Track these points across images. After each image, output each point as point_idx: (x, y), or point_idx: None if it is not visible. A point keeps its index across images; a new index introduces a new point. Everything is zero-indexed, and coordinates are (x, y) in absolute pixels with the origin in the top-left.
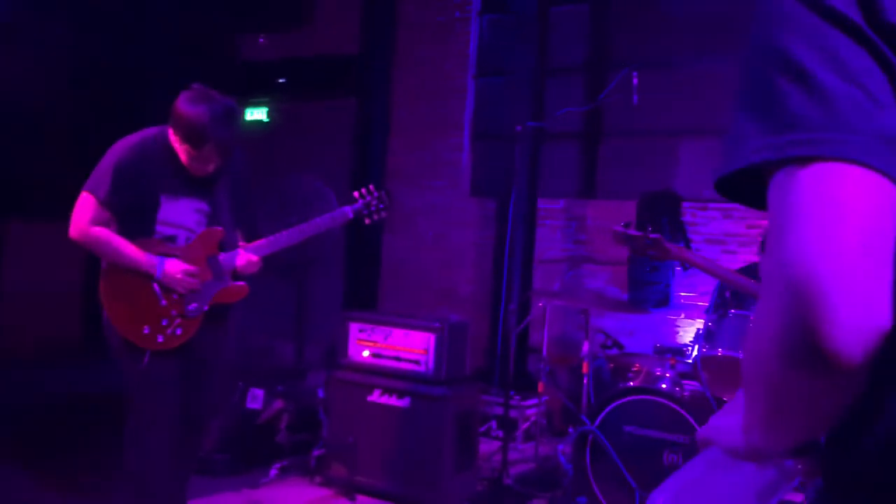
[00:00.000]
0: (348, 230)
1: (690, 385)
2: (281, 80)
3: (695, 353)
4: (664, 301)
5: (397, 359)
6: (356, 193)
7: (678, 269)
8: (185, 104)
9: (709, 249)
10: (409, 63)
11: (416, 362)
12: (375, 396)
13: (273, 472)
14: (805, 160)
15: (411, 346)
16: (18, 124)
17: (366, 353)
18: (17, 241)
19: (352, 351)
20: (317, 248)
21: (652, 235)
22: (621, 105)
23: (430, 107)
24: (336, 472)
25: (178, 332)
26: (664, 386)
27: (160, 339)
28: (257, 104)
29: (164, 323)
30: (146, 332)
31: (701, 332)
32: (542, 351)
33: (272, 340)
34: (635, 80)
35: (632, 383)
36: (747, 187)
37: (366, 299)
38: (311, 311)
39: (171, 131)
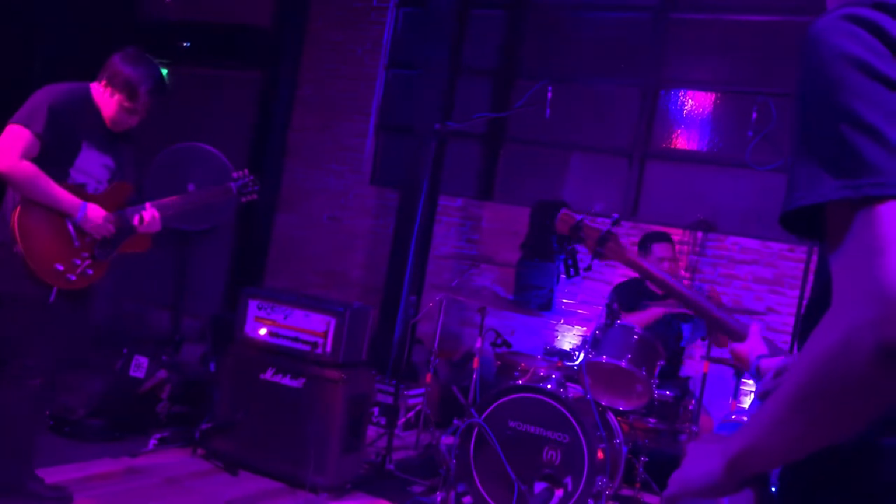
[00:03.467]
0: (241, 205)
1: (574, 388)
2: (185, 44)
3: (580, 358)
4: (547, 305)
5: (295, 339)
6: (235, 174)
7: (563, 276)
8: (125, 62)
9: (587, 259)
10: (321, 43)
11: (314, 344)
12: (269, 375)
13: (152, 442)
14: (882, 198)
15: (311, 328)
16: None
17: (263, 332)
18: None
19: (248, 328)
20: (209, 219)
21: (613, 230)
22: (525, 114)
23: (338, 90)
24: (220, 447)
25: (90, 272)
26: (549, 386)
27: (72, 277)
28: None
29: (76, 262)
30: (59, 269)
31: (588, 338)
32: (433, 343)
33: (145, 307)
34: (549, 94)
35: (520, 381)
36: (801, 223)
37: (252, 275)
38: (192, 282)
39: (98, 86)
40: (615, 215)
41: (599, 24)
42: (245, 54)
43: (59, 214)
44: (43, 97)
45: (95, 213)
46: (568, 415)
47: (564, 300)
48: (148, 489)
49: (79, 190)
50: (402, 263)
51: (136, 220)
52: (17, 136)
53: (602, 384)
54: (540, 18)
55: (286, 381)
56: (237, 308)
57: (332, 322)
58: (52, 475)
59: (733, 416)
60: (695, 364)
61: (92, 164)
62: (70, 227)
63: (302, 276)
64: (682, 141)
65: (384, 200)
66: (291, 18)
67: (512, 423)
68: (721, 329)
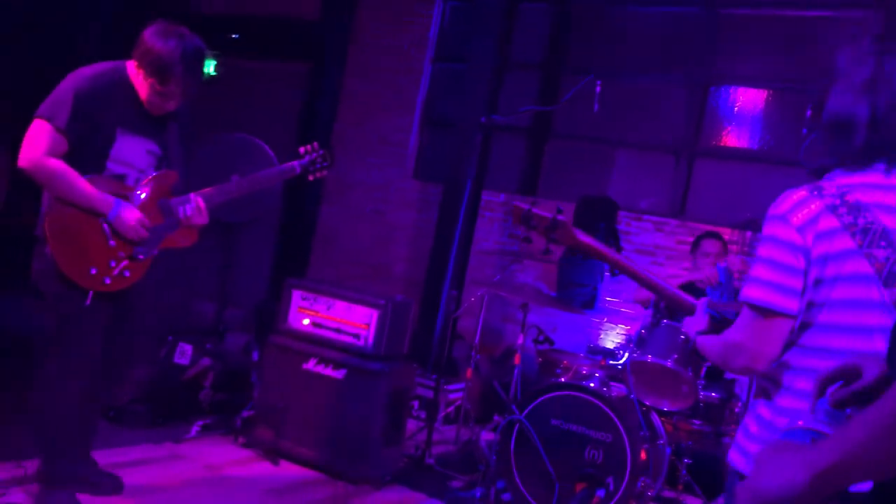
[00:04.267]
0: (286, 196)
1: (617, 387)
2: (234, 36)
3: (625, 356)
4: (590, 303)
5: (338, 330)
6: (302, 149)
7: (607, 274)
8: (155, 38)
9: (639, 259)
10: (368, 37)
11: (356, 336)
12: (311, 365)
13: (195, 429)
14: None
15: (353, 320)
16: None
17: (306, 322)
18: None
19: (292, 318)
20: (254, 211)
21: (560, 218)
22: (572, 109)
23: (384, 84)
24: (261, 435)
25: (127, 273)
26: (593, 385)
27: (107, 280)
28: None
29: (111, 264)
30: (93, 272)
31: (633, 337)
32: (474, 339)
33: (189, 298)
34: (598, 89)
35: (562, 379)
36: None
37: (296, 266)
38: (236, 272)
39: (132, 65)
40: (559, 207)
41: (648, 19)
42: (292, 47)
43: (93, 214)
44: (68, 86)
45: (129, 214)
46: (611, 414)
47: (608, 298)
48: (190, 475)
49: (117, 183)
50: (443, 258)
51: (181, 213)
52: (41, 132)
53: (646, 384)
54: (588, 12)
55: (328, 371)
56: (281, 298)
57: (375, 314)
58: (96, 458)
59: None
60: None
61: (132, 152)
62: (105, 227)
63: (344, 268)
64: (732, 138)
65: (427, 195)
66: (338, 12)
67: (554, 421)
68: (674, 304)
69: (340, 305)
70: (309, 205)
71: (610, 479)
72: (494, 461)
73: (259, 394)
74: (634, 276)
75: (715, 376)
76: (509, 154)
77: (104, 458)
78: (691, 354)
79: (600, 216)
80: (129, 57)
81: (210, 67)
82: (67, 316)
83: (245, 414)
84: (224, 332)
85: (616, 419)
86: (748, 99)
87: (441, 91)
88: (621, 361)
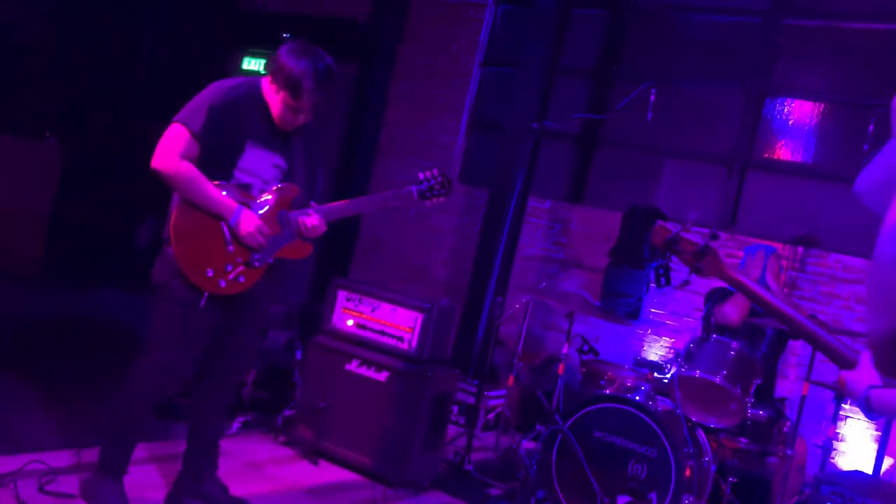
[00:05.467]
0: (331, 197)
1: (663, 401)
2: (285, 35)
3: (672, 370)
4: (634, 314)
5: (382, 332)
6: (421, 175)
7: (653, 285)
8: (288, 56)
9: (685, 271)
10: (418, 39)
11: (400, 339)
12: (354, 366)
13: (236, 425)
14: None
15: (397, 323)
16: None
17: (350, 323)
18: None
19: (336, 318)
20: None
21: (711, 245)
22: (622, 116)
23: (432, 87)
24: (302, 434)
25: (241, 279)
26: (638, 398)
27: (222, 283)
28: (256, 55)
29: (228, 268)
30: (209, 274)
31: (681, 351)
32: (515, 346)
33: None
34: (653, 97)
35: (607, 391)
36: None
37: (339, 265)
38: (279, 270)
39: (267, 81)
40: (712, 228)
41: (705, 27)
42: (342, 47)
43: (216, 218)
44: (205, 95)
45: (249, 220)
46: (657, 428)
47: (653, 310)
48: (229, 472)
49: (242, 192)
50: (487, 263)
51: (299, 225)
52: (177, 136)
53: (693, 399)
54: (642, 19)
55: (370, 373)
56: (326, 298)
57: (420, 318)
58: (138, 451)
59: None
60: (789, 384)
61: (259, 163)
62: (226, 231)
63: (386, 270)
64: (787, 151)
65: (471, 199)
66: (389, 13)
67: (597, 433)
68: (828, 354)
69: (385, 307)
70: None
71: (653, 495)
72: (535, 471)
73: (301, 393)
74: (786, 320)
75: (764, 395)
76: (556, 160)
77: (146, 450)
78: (741, 370)
79: (648, 227)
80: (188, 60)
81: (260, 66)
82: (180, 315)
83: (286, 412)
84: (266, 329)
85: (661, 434)
86: (805, 111)
87: (489, 95)
88: (667, 375)
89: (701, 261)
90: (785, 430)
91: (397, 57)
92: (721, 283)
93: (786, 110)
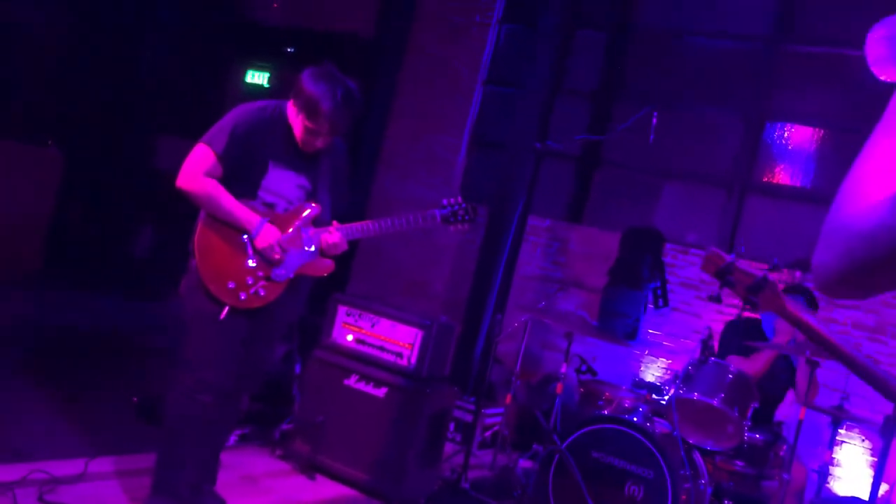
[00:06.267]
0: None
1: (660, 423)
2: (290, 49)
3: (670, 392)
4: (632, 334)
5: (381, 348)
6: (445, 201)
7: (650, 306)
8: (309, 79)
9: (683, 293)
10: (421, 56)
11: (399, 355)
12: (352, 381)
13: (233, 438)
14: None
15: (397, 339)
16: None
17: (349, 338)
18: None
19: (336, 333)
20: None
21: (770, 278)
22: (622, 137)
23: (434, 103)
24: (299, 449)
25: (262, 293)
26: (636, 419)
27: (242, 296)
28: (260, 68)
29: (249, 281)
30: (230, 286)
31: (680, 373)
32: (512, 364)
33: None
34: (654, 120)
35: (605, 411)
36: None
37: (337, 279)
38: None
39: (291, 104)
40: (774, 260)
41: (706, 51)
42: (346, 62)
43: (239, 232)
44: (230, 117)
45: (269, 233)
46: (654, 450)
47: (650, 331)
48: (226, 485)
49: (268, 210)
50: (486, 280)
51: (321, 242)
52: (201, 156)
53: (691, 422)
54: (644, 42)
55: (369, 389)
56: (326, 312)
57: (419, 335)
58: (130, 462)
59: None
60: (785, 408)
61: (283, 183)
62: (247, 245)
63: (384, 285)
64: (786, 176)
65: None
66: (394, 30)
67: (595, 454)
68: (884, 389)
69: (385, 323)
70: (352, 219)
71: None
72: (532, 490)
73: (299, 407)
74: (842, 357)
75: (762, 418)
76: (556, 179)
77: (141, 461)
78: (739, 394)
79: (646, 248)
80: (191, 71)
81: (264, 79)
82: (204, 329)
83: (284, 426)
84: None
85: (659, 456)
86: (804, 136)
87: (491, 113)
88: (665, 397)
89: (757, 295)
90: (781, 453)
91: (400, 73)
92: (738, 321)
93: (785, 135)
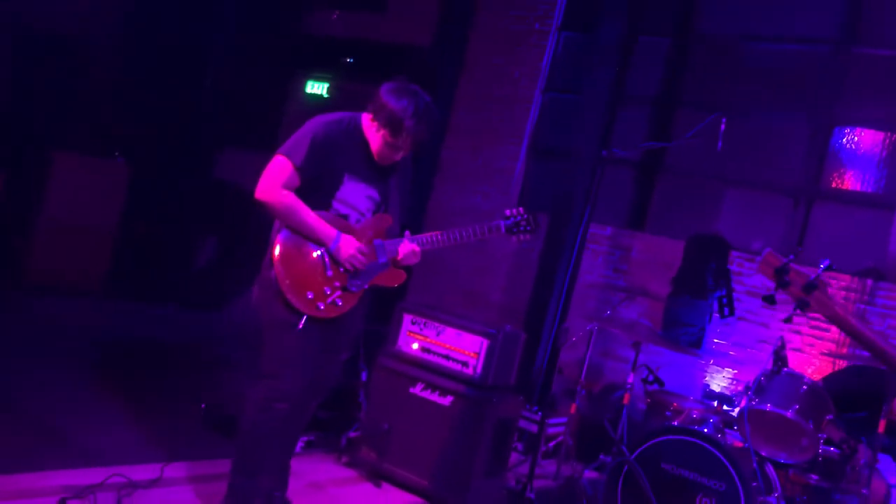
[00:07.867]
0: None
1: (732, 434)
2: (349, 60)
3: (742, 403)
4: (696, 344)
5: (446, 357)
6: (508, 212)
7: (716, 315)
8: (389, 94)
9: (749, 301)
10: (479, 65)
11: (465, 364)
12: (418, 390)
13: (299, 445)
14: None
15: (462, 348)
16: (71, 60)
17: (415, 346)
18: (61, 172)
19: (401, 341)
20: None
21: (823, 278)
22: (685, 144)
23: (492, 112)
24: (365, 456)
25: (339, 303)
26: (707, 430)
27: (321, 306)
28: (319, 78)
29: (326, 291)
30: (309, 296)
31: (752, 384)
32: (575, 373)
33: None
34: (723, 127)
35: (675, 422)
36: None
37: (397, 289)
38: None
39: (367, 118)
40: (826, 261)
41: (771, 56)
42: (404, 73)
43: (316, 243)
44: (308, 129)
45: (348, 244)
46: (726, 462)
47: (716, 340)
48: (292, 491)
49: (341, 221)
50: (546, 289)
51: (395, 253)
52: (280, 168)
53: (763, 434)
54: (707, 47)
55: (434, 397)
56: (391, 321)
57: (485, 344)
58: (202, 468)
59: None
60: None
61: (356, 196)
62: (325, 257)
63: (443, 294)
64: (855, 182)
65: None
66: (451, 39)
67: (665, 465)
68: None
69: (450, 332)
70: (411, 229)
71: None
72: (601, 501)
73: (365, 414)
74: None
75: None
76: (618, 187)
77: (209, 468)
78: (814, 405)
79: (710, 256)
80: (254, 84)
81: (323, 90)
82: (281, 338)
83: (350, 433)
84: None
85: (731, 468)
86: (873, 142)
87: (550, 121)
88: (736, 408)
89: (809, 294)
90: (859, 468)
91: (459, 82)
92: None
93: (854, 139)
